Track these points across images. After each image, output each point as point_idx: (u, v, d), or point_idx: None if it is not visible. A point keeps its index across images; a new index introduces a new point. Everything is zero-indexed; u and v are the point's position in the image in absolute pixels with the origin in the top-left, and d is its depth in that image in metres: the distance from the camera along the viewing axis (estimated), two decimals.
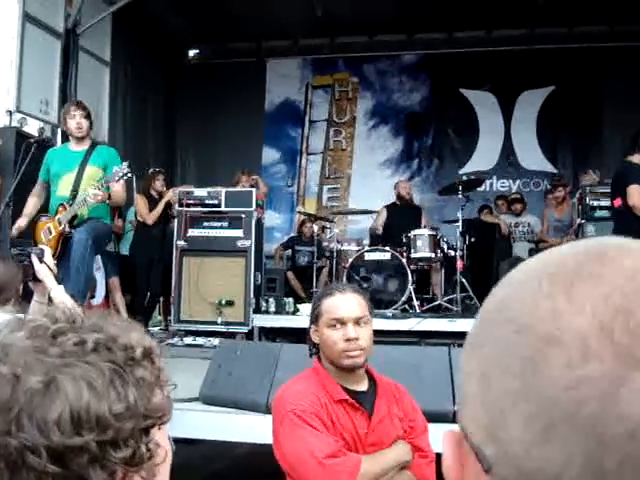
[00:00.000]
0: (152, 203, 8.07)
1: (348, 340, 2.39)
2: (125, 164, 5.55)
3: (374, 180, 11.65)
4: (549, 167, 11.58)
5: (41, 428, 0.80)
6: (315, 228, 8.74)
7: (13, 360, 0.84)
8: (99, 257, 7.35)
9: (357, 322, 2.41)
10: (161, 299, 8.50)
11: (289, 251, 9.88)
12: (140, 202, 8.13)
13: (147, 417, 0.88)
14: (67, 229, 5.55)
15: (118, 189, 5.64)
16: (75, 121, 5.78)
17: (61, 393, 0.82)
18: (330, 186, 12.34)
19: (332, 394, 2.41)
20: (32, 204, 5.89)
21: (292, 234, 10.71)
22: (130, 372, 0.88)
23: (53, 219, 5.64)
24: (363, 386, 2.50)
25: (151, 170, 8.53)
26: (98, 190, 5.37)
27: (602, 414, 0.43)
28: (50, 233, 5.61)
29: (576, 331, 0.45)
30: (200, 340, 7.12)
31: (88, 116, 5.88)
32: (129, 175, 5.55)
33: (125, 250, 8.25)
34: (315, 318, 2.50)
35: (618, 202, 5.80)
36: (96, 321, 0.93)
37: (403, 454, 2.43)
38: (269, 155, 12.41)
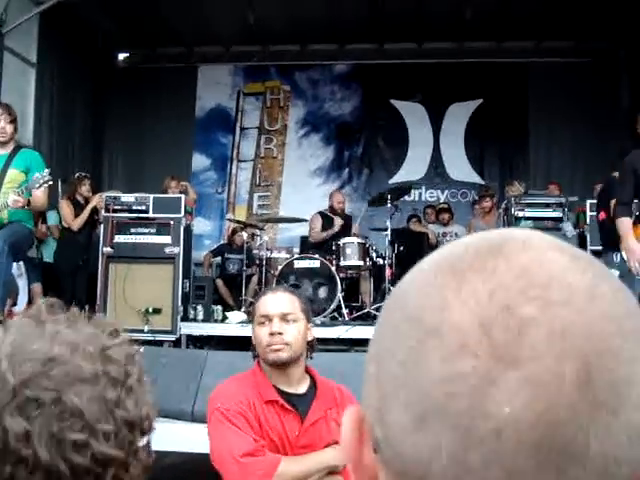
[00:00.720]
0: (78, 208, 7.89)
1: (272, 334, 2.43)
2: (47, 171, 5.42)
3: (305, 188, 11.68)
4: (476, 178, 11.80)
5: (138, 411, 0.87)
6: (245, 236, 8.68)
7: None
8: (22, 263, 7.15)
9: (283, 318, 2.46)
10: (86, 307, 8.30)
11: (219, 258, 9.80)
12: (65, 207, 7.93)
13: (139, 424, 0.89)
14: None
15: (39, 195, 5.50)
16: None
17: (146, 393, 0.90)
18: (261, 194, 12.30)
19: (263, 395, 2.44)
20: None
21: (222, 241, 10.64)
22: (124, 380, 0.90)
23: None
24: (302, 388, 2.52)
25: (77, 175, 8.34)
26: (18, 196, 5.24)
27: (471, 410, 0.43)
28: None
29: (456, 325, 0.45)
30: None
31: (14, 121, 5.71)
32: (50, 182, 5.43)
33: (48, 256, 8.04)
34: (252, 319, 2.59)
35: (602, 215, 5.87)
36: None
37: (330, 458, 2.42)
38: (199, 162, 12.30)
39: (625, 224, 5.00)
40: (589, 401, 0.43)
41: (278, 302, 2.51)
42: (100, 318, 0.94)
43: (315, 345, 2.65)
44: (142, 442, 0.88)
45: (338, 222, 8.63)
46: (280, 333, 2.44)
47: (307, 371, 2.60)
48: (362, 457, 0.53)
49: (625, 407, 0.44)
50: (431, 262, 0.53)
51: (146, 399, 0.89)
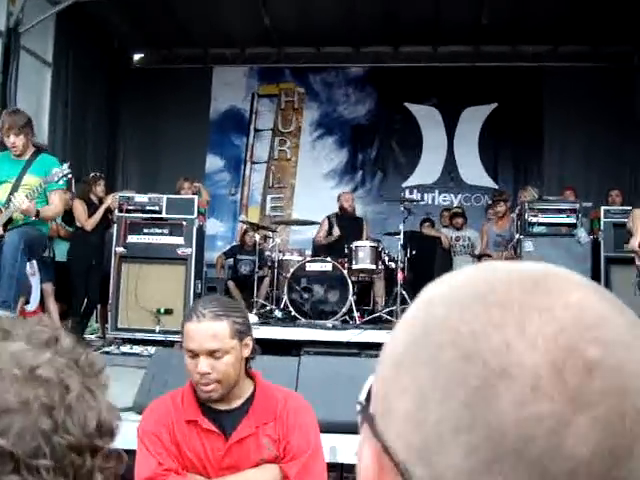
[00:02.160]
0: (91, 208, 7.89)
1: (200, 375, 2.25)
2: (66, 165, 5.42)
3: (318, 191, 11.66)
4: (490, 183, 11.77)
5: (83, 429, 0.76)
6: (257, 237, 8.68)
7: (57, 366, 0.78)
8: (34, 262, 7.16)
9: (211, 355, 2.24)
10: (99, 306, 8.33)
11: (231, 260, 9.81)
12: (79, 207, 7.93)
13: (111, 432, 0.84)
14: (0, 232, 5.40)
15: (54, 200, 5.48)
16: (9, 142, 5.59)
17: (97, 400, 0.79)
18: (274, 195, 12.31)
19: (185, 414, 2.31)
20: None
21: (234, 243, 10.64)
22: (96, 390, 0.83)
23: None
24: (236, 402, 2.35)
25: (92, 174, 8.35)
26: (29, 202, 5.23)
27: (548, 452, 0.43)
28: None
29: (528, 367, 0.45)
30: (137, 349, 7.01)
31: (23, 128, 5.64)
32: (69, 176, 5.43)
33: (61, 256, 8.05)
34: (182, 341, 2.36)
35: None
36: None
37: (255, 478, 2.28)
38: (213, 163, 12.33)
39: (636, 214, 5.29)
40: None
41: (203, 337, 2.24)
42: (37, 321, 0.84)
43: (257, 350, 2.42)
44: (105, 449, 0.79)
45: (336, 233, 8.68)
46: (209, 373, 2.24)
47: (251, 376, 2.42)
48: None
49: None
50: (463, 293, 0.51)
51: (96, 407, 0.78)
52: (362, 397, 0.56)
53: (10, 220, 5.41)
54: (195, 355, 2.25)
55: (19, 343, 0.78)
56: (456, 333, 0.49)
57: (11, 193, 5.45)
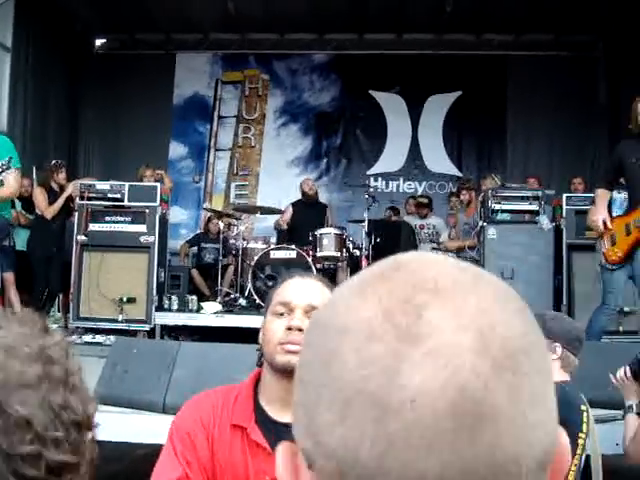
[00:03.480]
0: (52, 196, 7.78)
1: (290, 329, 1.81)
2: (6, 159, 5.29)
3: (282, 178, 11.62)
4: (454, 170, 11.84)
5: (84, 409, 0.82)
6: (221, 225, 8.64)
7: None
8: None
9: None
10: (60, 296, 8.23)
11: (195, 248, 9.74)
12: (39, 195, 7.80)
13: (84, 422, 0.84)
14: None
15: (10, 181, 5.37)
16: None
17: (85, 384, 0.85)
18: (238, 183, 12.24)
19: (233, 416, 1.84)
20: None
21: (198, 231, 10.58)
22: (65, 379, 0.84)
23: None
24: None
25: (53, 162, 8.19)
26: None
27: (386, 386, 0.47)
28: None
29: (363, 319, 0.50)
30: (99, 338, 6.94)
31: None
32: (15, 163, 5.29)
33: (21, 244, 7.92)
34: (265, 311, 1.95)
35: None
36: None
37: None
38: (176, 150, 12.21)
39: (599, 193, 5.38)
40: (490, 365, 0.47)
41: (305, 290, 1.88)
42: (22, 313, 0.87)
43: None
44: (87, 438, 0.83)
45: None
46: (301, 330, 1.78)
47: None
48: None
49: (524, 370, 0.48)
50: (342, 286, 0.57)
51: (89, 395, 0.84)
52: None
53: None
54: (289, 311, 1.84)
55: (19, 326, 0.82)
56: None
57: None
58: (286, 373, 1.78)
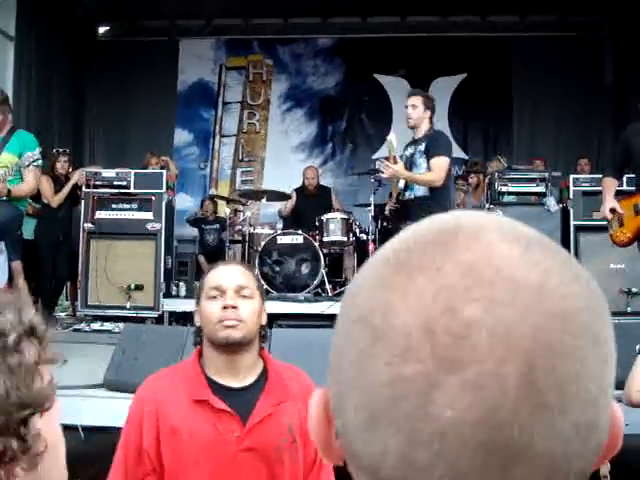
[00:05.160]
0: (57, 184, 7.79)
1: (225, 308, 2.09)
2: (38, 150, 5.33)
3: (288, 163, 11.59)
4: (460, 153, 11.77)
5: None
6: (227, 211, 8.65)
7: None
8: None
9: (238, 292, 2.12)
10: (68, 284, 8.26)
11: (197, 233, 9.76)
12: (44, 183, 7.81)
13: (24, 406, 0.82)
14: None
15: (29, 179, 5.40)
16: None
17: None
18: (244, 169, 12.23)
19: (192, 393, 2.07)
20: None
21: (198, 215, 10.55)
22: (1, 361, 0.82)
23: None
24: (248, 380, 2.15)
25: (54, 150, 8.21)
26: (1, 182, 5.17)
27: (416, 413, 0.44)
28: None
29: (401, 328, 0.45)
30: (108, 325, 6.97)
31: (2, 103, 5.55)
32: (38, 162, 5.35)
33: (28, 233, 7.94)
34: (198, 297, 2.21)
35: None
36: None
37: None
38: (181, 137, 12.20)
39: (606, 182, 5.38)
40: (532, 402, 0.43)
41: (232, 273, 2.18)
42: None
43: (267, 331, 2.29)
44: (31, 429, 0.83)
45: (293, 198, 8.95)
46: (235, 307, 2.09)
47: (261, 356, 2.23)
48: (330, 439, 0.53)
49: (572, 405, 0.44)
50: (382, 256, 0.51)
51: (34, 381, 0.83)
52: None
53: None
54: (221, 293, 2.12)
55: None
56: (356, 295, 0.51)
57: None
58: (228, 346, 2.09)
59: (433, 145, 5.70)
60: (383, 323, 0.46)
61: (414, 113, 5.79)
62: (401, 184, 5.95)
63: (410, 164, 5.81)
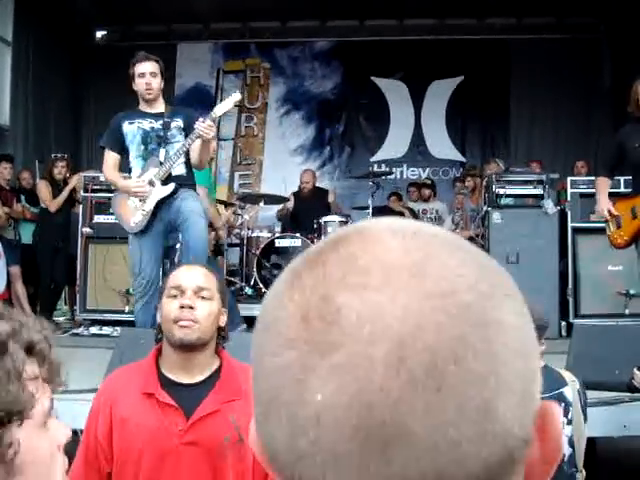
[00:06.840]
0: (56, 189, 7.79)
1: (182, 308, 2.15)
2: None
3: (286, 167, 11.59)
4: (458, 156, 11.81)
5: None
6: (225, 214, 8.62)
7: None
8: None
9: (197, 293, 2.19)
10: (66, 288, 8.25)
11: None
12: (43, 188, 7.83)
13: None
14: None
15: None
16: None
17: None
18: (241, 172, 12.23)
19: (142, 386, 2.16)
20: None
21: None
22: None
23: None
24: (200, 377, 2.22)
25: (53, 155, 8.23)
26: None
27: (295, 400, 0.45)
28: None
29: (284, 320, 0.47)
30: (106, 329, 6.95)
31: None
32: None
33: (26, 238, 7.95)
34: (160, 295, 2.30)
35: None
36: None
37: None
38: None
39: (600, 182, 5.41)
40: (402, 381, 0.42)
41: (193, 274, 2.25)
42: None
43: (227, 334, 2.34)
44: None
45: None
46: (192, 307, 2.15)
47: (219, 355, 2.29)
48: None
49: (451, 385, 0.43)
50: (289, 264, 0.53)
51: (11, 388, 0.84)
52: None
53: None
54: (181, 293, 2.19)
55: None
56: (269, 295, 0.52)
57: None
58: (182, 345, 2.15)
59: None
60: (272, 318, 0.48)
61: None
62: None
63: None
